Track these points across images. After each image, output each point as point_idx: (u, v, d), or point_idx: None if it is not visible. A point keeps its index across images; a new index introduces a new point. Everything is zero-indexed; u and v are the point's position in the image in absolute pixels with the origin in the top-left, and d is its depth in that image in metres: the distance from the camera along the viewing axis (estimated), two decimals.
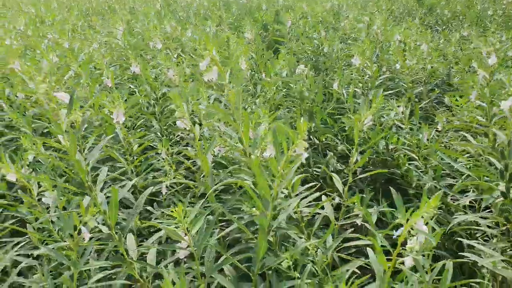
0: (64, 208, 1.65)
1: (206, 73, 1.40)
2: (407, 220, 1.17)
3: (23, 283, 1.59)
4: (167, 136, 2.33)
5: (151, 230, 1.92)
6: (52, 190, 1.62)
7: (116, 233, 1.45)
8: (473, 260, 1.50)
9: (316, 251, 1.60)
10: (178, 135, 2.42)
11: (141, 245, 1.58)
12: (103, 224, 1.45)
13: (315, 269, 1.55)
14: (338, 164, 2.54)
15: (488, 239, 1.89)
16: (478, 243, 1.55)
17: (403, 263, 1.21)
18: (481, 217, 1.73)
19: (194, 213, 1.40)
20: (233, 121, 1.42)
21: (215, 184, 1.71)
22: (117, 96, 1.72)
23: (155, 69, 2.52)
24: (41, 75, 1.31)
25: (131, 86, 2.49)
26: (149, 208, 1.91)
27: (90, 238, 1.35)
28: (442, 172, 2.14)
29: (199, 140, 1.71)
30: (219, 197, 1.94)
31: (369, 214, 1.56)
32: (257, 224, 1.55)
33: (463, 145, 1.88)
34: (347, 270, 1.52)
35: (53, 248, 1.28)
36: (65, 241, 1.31)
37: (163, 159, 2.00)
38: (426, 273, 1.17)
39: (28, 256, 1.72)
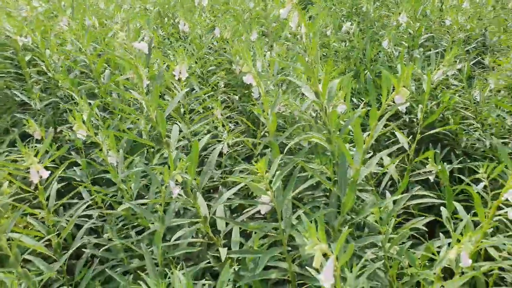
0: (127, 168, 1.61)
1: (289, 20, 1.33)
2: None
3: (93, 242, 1.58)
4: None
5: (211, 188, 1.90)
6: (117, 150, 1.58)
7: (192, 189, 1.42)
8: None
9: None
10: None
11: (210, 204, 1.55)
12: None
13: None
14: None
15: None
16: None
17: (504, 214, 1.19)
18: None
19: (274, 168, 1.36)
20: (312, 72, 1.36)
21: (282, 141, 1.67)
22: (180, 51, 1.64)
23: (202, 28, 2.42)
24: (117, 25, 1.24)
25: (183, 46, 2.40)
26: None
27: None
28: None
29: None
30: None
31: (445, 169, 1.53)
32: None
33: None
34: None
35: (138, 204, 1.25)
36: (146, 198, 1.28)
37: (217, 119, 1.95)
38: None
39: (89, 218, 1.70)
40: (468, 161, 2.33)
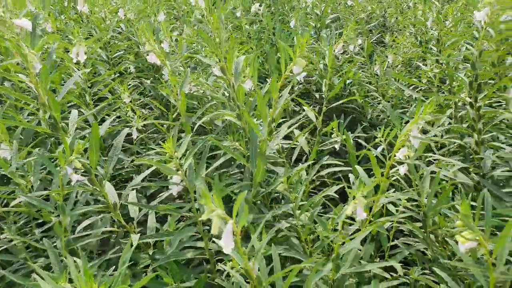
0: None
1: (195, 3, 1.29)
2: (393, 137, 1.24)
3: None
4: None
5: (125, 178, 1.81)
6: (10, 142, 1.43)
7: (96, 176, 1.34)
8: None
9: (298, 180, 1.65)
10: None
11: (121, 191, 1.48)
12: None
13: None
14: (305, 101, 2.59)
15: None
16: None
17: (396, 173, 1.30)
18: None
19: (183, 148, 1.34)
20: (217, 49, 1.35)
21: (193, 121, 1.65)
22: (76, 31, 1.52)
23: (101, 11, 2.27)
24: None
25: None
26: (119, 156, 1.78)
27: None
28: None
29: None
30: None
31: (349, 137, 1.63)
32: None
33: (418, 73, 2.01)
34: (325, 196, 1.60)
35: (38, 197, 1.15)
36: (47, 189, 1.18)
37: (125, 104, 1.86)
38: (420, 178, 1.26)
39: None
40: (374, 131, 2.53)
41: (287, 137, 1.76)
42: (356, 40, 2.29)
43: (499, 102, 1.71)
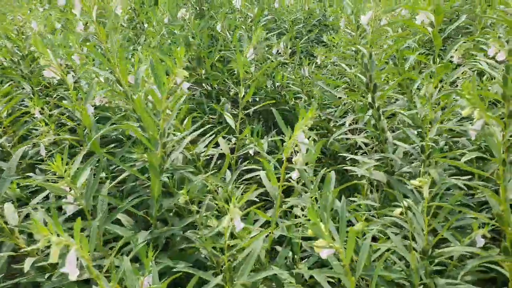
0: None
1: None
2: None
3: None
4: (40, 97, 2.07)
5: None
6: None
7: None
8: (353, 171, 1.69)
9: (217, 188, 1.63)
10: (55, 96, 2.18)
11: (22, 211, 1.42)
12: None
13: (216, 204, 1.58)
14: (232, 109, 2.58)
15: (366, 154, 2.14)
16: (356, 154, 1.74)
17: (291, 178, 1.30)
18: (358, 134, 1.95)
19: (76, 165, 1.30)
20: (106, 60, 1.31)
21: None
22: None
23: (17, 25, 2.17)
24: None
25: None
26: (31, 174, 1.71)
27: None
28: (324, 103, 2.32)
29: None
30: (111, 153, 1.83)
31: (260, 142, 1.63)
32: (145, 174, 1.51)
33: (340, 71, 2.04)
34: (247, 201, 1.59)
35: None
36: None
37: (37, 119, 1.79)
38: (312, 182, 1.27)
39: None
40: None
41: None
42: (278, 43, 2.30)
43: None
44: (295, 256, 1.58)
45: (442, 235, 1.21)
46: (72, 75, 1.57)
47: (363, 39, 1.97)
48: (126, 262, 0.89)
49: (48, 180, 1.35)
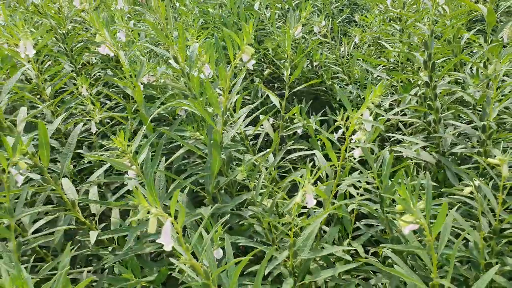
0: None
1: None
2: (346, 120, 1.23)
3: None
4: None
5: (83, 174, 1.78)
6: None
7: (51, 176, 1.31)
8: (400, 152, 1.68)
9: (262, 167, 1.64)
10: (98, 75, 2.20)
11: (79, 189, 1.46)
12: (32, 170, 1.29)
13: (263, 183, 1.59)
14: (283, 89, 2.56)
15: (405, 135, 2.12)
16: (404, 134, 1.73)
17: (352, 156, 1.30)
18: (404, 114, 1.93)
19: (138, 141, 1.31)
20: (165, 37, 1.31)
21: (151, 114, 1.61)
22: (21, 24, 1.45)
23: (56, 2, 2.17)
24: None
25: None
26: (79, 151, 1.74)
27: (23, 183, 1.19)
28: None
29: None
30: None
31: (310, 121, 1.62)
32: (203, 149, 1.52)
33: (385, 53, 2.00)
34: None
35: None
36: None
37: (84, 97, 1.81)
38: (375, 161, 1.27)
39: None
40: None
41: (255, 123, 1.74)
42: (320, 22, 2.26)
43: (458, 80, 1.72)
44: (343, 235, 1.59)
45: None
46: (124, 53, 1.56)
47: (410, 16, 1.92)
48: (206, 238, 0.90)
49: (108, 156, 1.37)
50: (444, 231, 0.88)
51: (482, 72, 1.31)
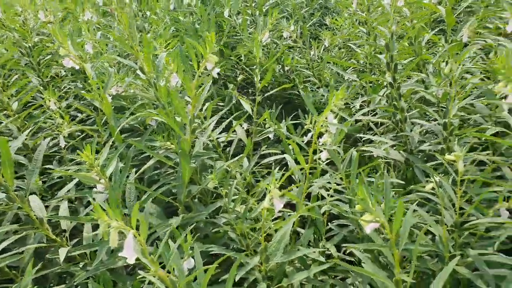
0: None
1: None
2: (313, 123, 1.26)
3: None
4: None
5: (55, 189, 1.75)
6: None
7: (17, 194, 1.29)
8: (370, 151, 1.72)
9: (236, 173, 1.65)
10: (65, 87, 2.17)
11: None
12: None
13: (237, 189, 1.60)
14: (239, 96, 2.58)
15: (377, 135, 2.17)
16: (375, 134, 1.77)
17: (319, 159, 1.32)
18: (373, 115, 1.97)
19: (105, 154, 1.30)
20: (130, 48, 1.31)
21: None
22: None
23: (21, 15, 2.14)
24: None
25: None
26: (48, 166, 1.71)
27: None
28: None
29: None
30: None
31: (280, 125, 1.64)
32: (175, 158, 1.52)
33: (347, 53, 2.04)
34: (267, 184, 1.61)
35: None
36: None
37: (52, 111, 1.78)
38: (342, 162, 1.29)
39: None
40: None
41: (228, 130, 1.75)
42: (289, 27, 2.29)
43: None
44: (318, 237, 1.61)
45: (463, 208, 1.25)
46: (90, 65, 1.55)
47: (375, 20, 1.97)
48: (173, 248, 0.90)
49: (74, 171, 1.35)
50: (404, 227, 0.90)
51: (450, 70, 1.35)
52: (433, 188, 1.11)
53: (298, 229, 1.59)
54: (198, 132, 1.41)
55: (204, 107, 1.59)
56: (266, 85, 2.66)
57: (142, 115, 1.39)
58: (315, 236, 1.62)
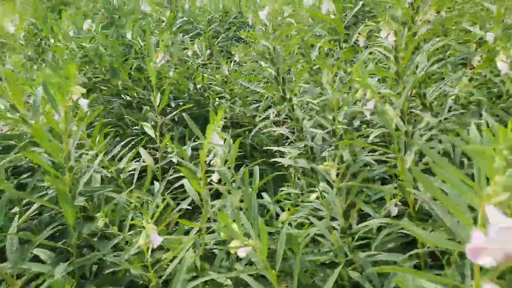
0: None
1: None
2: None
3: None
4: None
5: None
6: None
7: None
8: (279, 162, 1.72)
9: (143, 202, 1.57)
10: None
11: None
12: None
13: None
14: (157, 117, 2.50)
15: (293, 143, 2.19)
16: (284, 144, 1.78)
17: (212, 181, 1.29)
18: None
19: None
20: None
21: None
22: None
23: None
24: None
25: None
26: None
27: None
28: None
29: None
30: (22, 184, 1.69)
31: (182, 149, 1.59)
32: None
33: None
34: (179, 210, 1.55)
35: None
36: None
37: None
38: (233, 181, 1.27)
39: None
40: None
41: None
42: (193, 45, 2.26)
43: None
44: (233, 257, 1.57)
45: (362, 210, 1.28)
46: None
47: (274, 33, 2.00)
48: None
49: None
50: (280, 245, 0.89)
51: (327, 80, 1.39)
52: (317, 198, 1.11)
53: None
54: (87, 166, 1.33)
55: (97, 139, 1.50)
56: (181, 104, 2.62)
57: (19, 156, 1.28)
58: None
